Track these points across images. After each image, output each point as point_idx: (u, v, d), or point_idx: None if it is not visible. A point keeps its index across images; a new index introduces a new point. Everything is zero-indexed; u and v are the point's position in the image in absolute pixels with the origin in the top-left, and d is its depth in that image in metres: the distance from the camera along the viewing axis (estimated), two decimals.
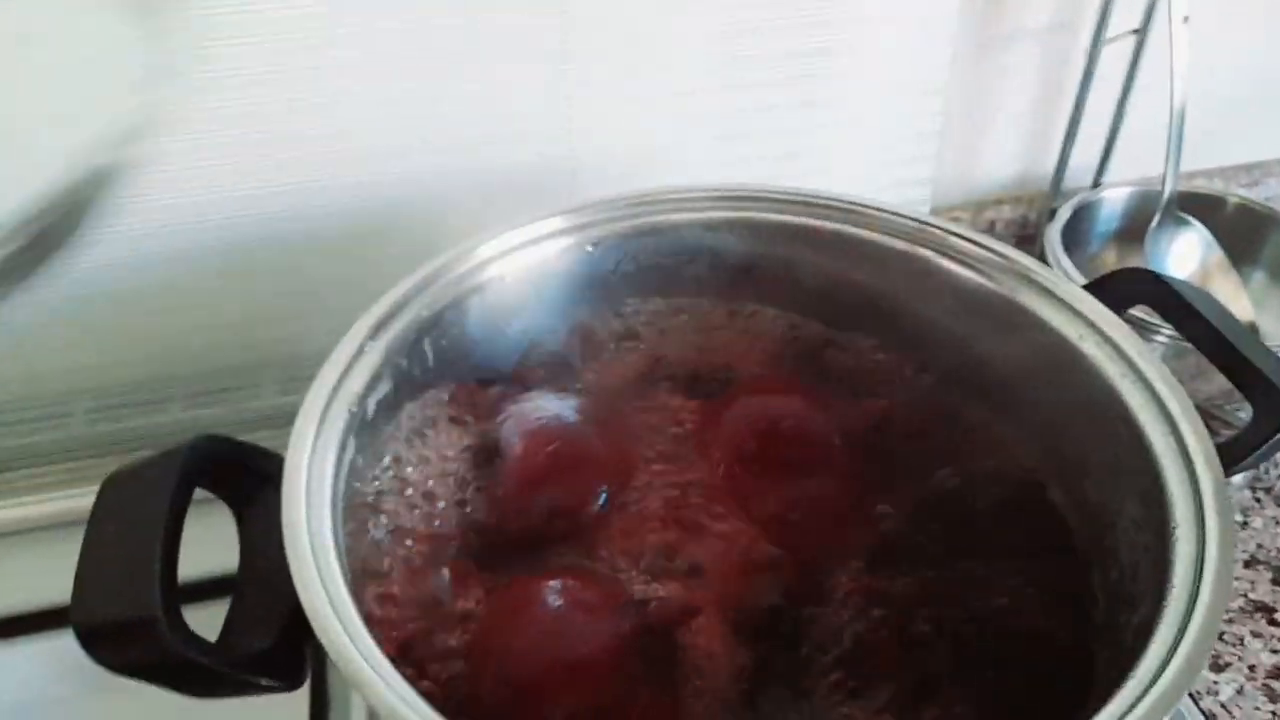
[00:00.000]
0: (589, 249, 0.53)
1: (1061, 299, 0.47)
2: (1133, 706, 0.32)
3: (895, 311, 0.52)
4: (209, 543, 0.39)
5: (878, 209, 0.51)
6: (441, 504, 0.46)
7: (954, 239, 0.49)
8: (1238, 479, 0.64)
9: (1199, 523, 0.37)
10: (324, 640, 0.33)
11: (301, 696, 0.53)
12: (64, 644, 0.54)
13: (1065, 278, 0.48)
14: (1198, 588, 0.35)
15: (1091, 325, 0.46)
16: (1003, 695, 0.40)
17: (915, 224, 0.50)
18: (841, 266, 0.52)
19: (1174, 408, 0.42)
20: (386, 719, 0.31)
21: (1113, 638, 0.39)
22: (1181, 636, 0.34)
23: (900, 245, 0.50)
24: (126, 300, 0.58)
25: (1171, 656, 0.33)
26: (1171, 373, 0.64)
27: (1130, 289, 0.49)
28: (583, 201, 0.52)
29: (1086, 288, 0.48)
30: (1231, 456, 0.42)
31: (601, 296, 0.54)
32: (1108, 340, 0.45)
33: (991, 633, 0.42)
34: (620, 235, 0.53)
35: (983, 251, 0.49)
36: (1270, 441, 0.42)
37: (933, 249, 0.50)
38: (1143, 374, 0.44)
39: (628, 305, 0.54)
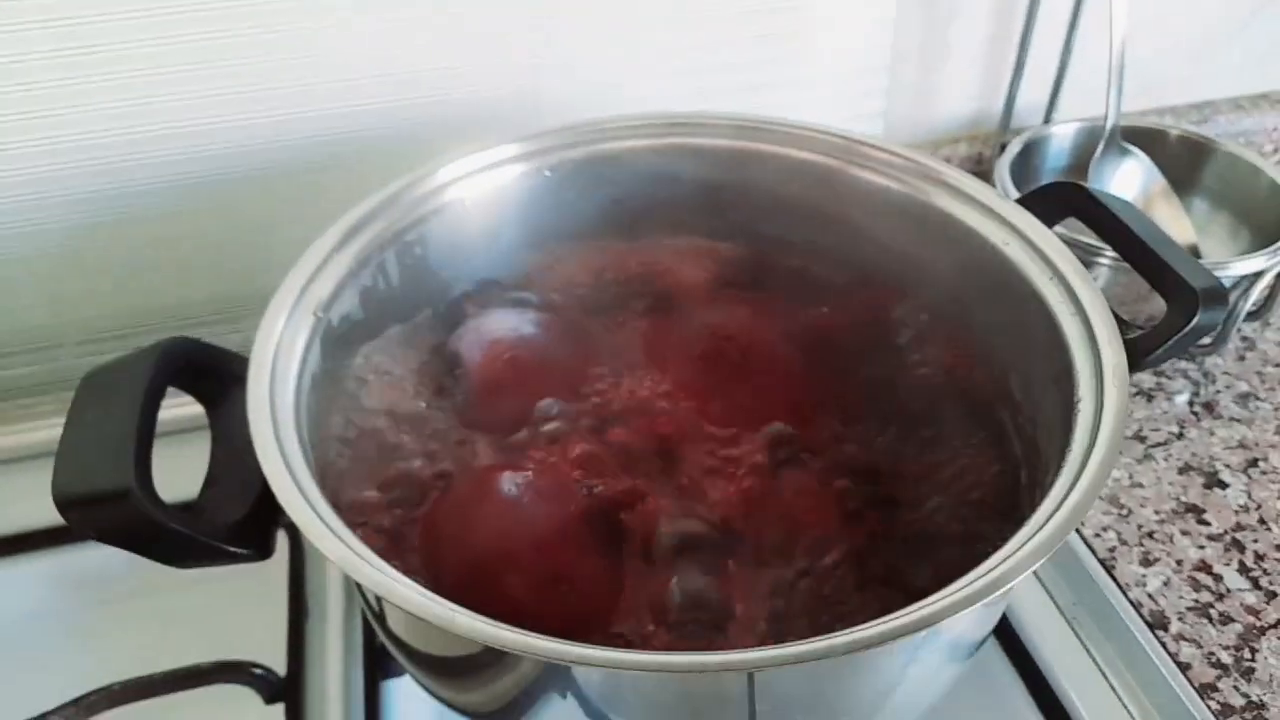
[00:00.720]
0: (546, 174, 0.55)
1: (988, 207, 0.50)
2: (1019, 548, 0.35)
3: (833, 226, 0.54)
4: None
5: (813, 130, 0.53)
6: (403, 405, 0.49)
7: (882, 154, 0.52)
8: (1180, 396, 0.67)
9: (1098, 395, 0.40)
10: (284, 503, 0.36)
11: (281, 577, 0.56)
12: (59, 561, 0.59)
13: (993, 190, 0.50)
14: (1091, 446, 0.38)
15: (1014, 230, 0.48)
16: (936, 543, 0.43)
17: (845, 142, 0.53)
18: (783, 186, 0.55)
19: (1085, 299, 0.45)
20: (343, 567, 0.34)
21: (1031, 495, 0.42)
22: (1073, 487, 0.37)
23: (834, 163, 0.53)
24: (106, 234, 0.61)
25: (1061, 504, 0.36)
26: (1119, 292, 0.67)
27: (1059, 202, 0.51)
28: (540, 128, 0.55)
29: (1019, 201, 0.51)
30: (1145, 348, 0.45)
31: (560, 220, 0.56)
32: (1029, 243, 0.48)
33: (931, 499, 0.45)
34: (576, 161, 0.56)
35: (912, 164, 0.52)
36: (1180, 333, 0.45)
37: (862, 165, 0.52)
38: (1060, 271, 0.46)
39: (584, 227, 0.57)
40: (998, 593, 0.34)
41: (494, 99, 0.64)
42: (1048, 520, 0.36)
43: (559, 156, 0.55)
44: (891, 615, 0.33)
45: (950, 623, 0.33)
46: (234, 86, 0.59)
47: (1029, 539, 0.35)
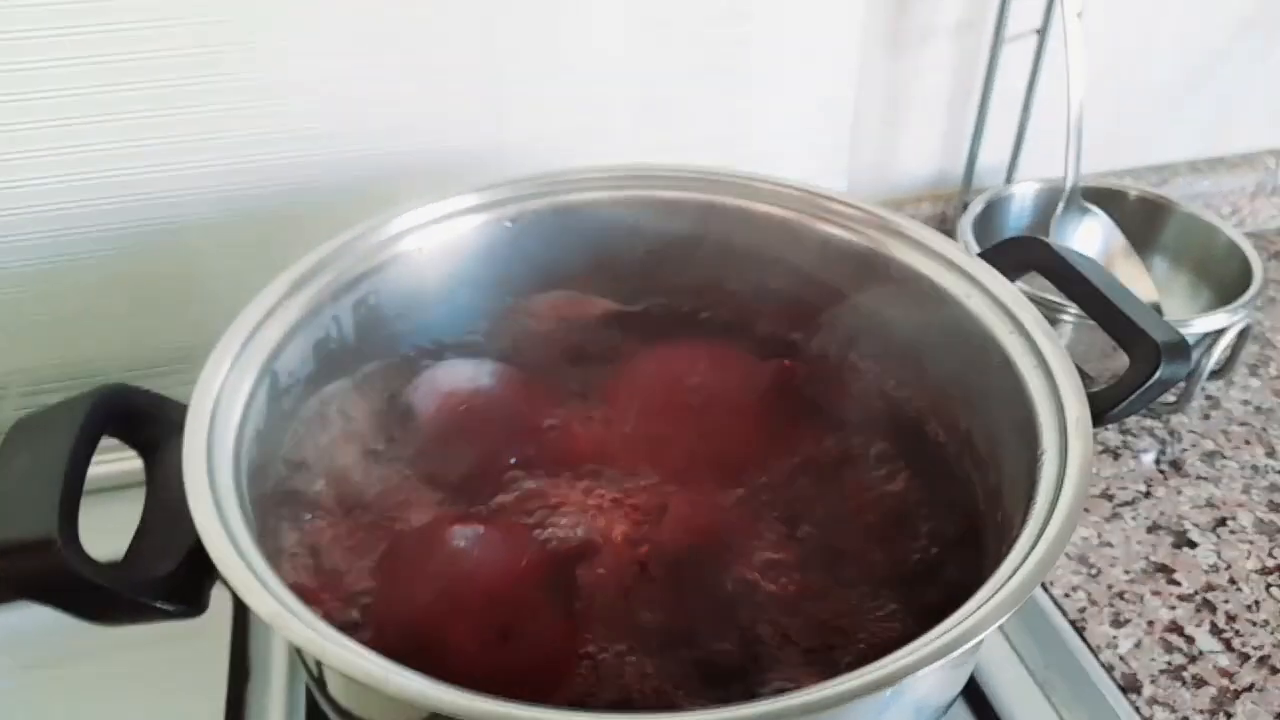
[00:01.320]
0: (507, 224, 0.55)
1: (950, 260, 0.49)
2: (984, 603, 0.33)
3: (794, 278, 0.54)
4: None
5: (773, 183, 0.53)
6: (353, 456, 0.47)
7: (842, 207, 0.52)
8: (1147, 455, 0.66)
9: (1062, 449, 0.40)
10: (214, 556, 0.34)
11: (223, 639, 0.54)
12: None
13: (954, 243, 0.50)
14: (1056, 499, 0.37)
15: (976, 283, 0.48)
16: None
17: (806, 195, 0.53)
18: (744, 238, 0.54)
19: (1048, 352, 0.44)
20: (272, 624, 0.32)
21: (996, 550, 0.41)
22: (1038, 541, 0.36)
23: (794, 215, 0.53)
24: (54, 282, 0.60)
25: (1026, 558, 0.35)
26: (1083, 349, 0.67)
27: (1020, 256, 0.51)
28: (500, 179, 0.55)
29: (981, 255, 0.51)
30: (1108, 402, 0.44)
31: (520, 271, 0.56)
32: (992, 296, 0.47)
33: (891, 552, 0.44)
34: (537, 212, 0.55)
35: (872, 218, 0.52)
36: (1143, 387, 0.44)
37: (823, 218, 0.52)
38: (1021, 324, 0.46)
39: (544, 278, 0.56)
40: (962, 649, 0.32)
41: (454, 149, 0.64)
42: (1012, 575, 0.35)
43: (519, 207, 0.55)
44: (853, 674, 0.32)
45: (914, 681, 0.32)
46: (183, 134, 0.58)
47: (994, 594, 0.34)
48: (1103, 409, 0.44)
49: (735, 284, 0.56)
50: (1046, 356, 0.44)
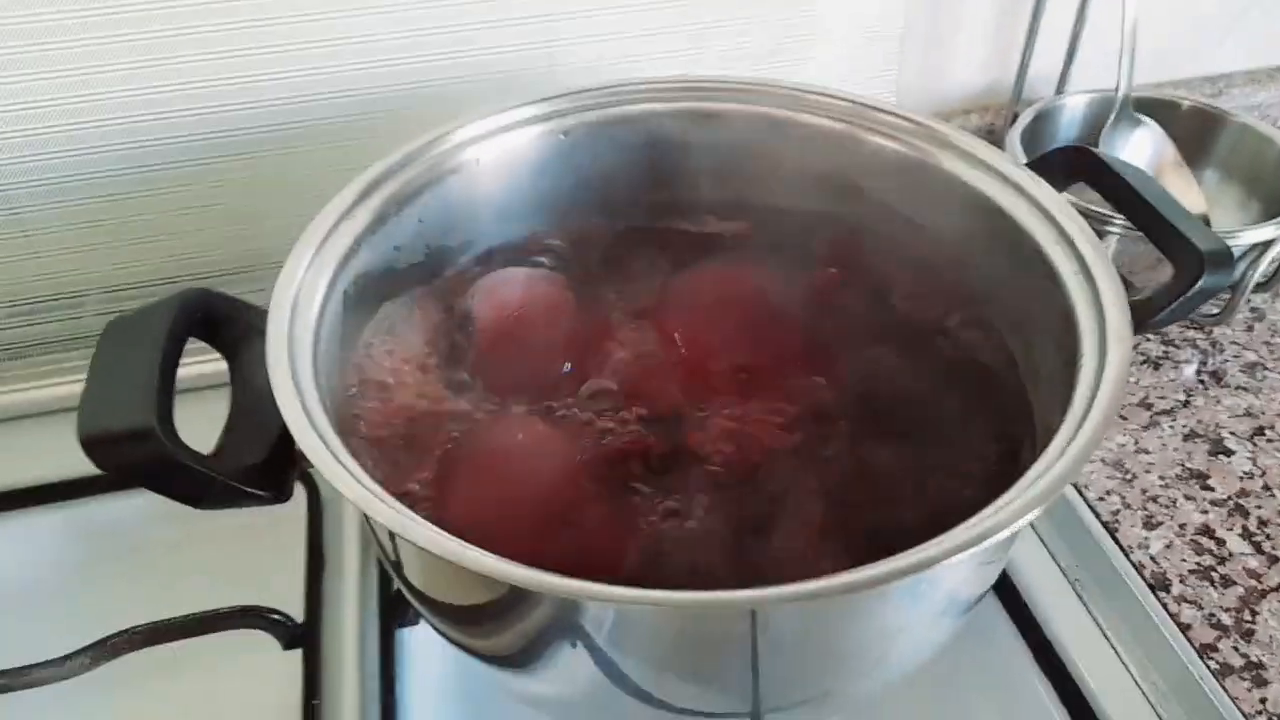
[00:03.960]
0: (561, 136, 0.56)
1: (996, 169, 0.50)
2: (1016, 498, 0.35)
3: (842, 189, 0.55)
4: None
5: (821, 93, 0.54)
6: (417, 360, 0.50)
7: (890, 117, 0.53)
8: (1189, 365, 0.67)
9: (1101, 354, 0.41)
10: (302, 445, 0.37)
11: (299, 529, 0.58)
12: (84, 512, 0.60)
13: (1000, 153, 0.51)
14: (1092, 402, 0.39)
15: (1022, 192, 0.49)
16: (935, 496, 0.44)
17: (854, 106, 0.53)
18: (793, 149, 0.55)
19: (1091, 260, 0.45)
20: (359, 505, 0.35)
21: (1032, 452, 0.43)
22: (1071, 441, 0.37)
23: (842, 127, 0.54)
24: (130, 191, 0.63)
25: (1061, 457, 0.37)
26: (1129, 260, 0.68)
27: (1067, 166, 0.52)
28: (556, 90, 0.56)
29: (1029, 165, 0.52)
30: (1150, 310, 0.45)
31: (573, 183, 0.57)
32: (1037, 205, 0.48)
33: (934, 455, 0.46)
34: (590, 124, 0.56)
35: (920, 128, 0.52)
36: (1185, 295, 0.45)
37: (871, 129, 0.53)
38: (1066, 233, 0.47)
39: (597, 191, 0.58)
40: (994, 539, 0.34)
41: (511, 62, 0.65)
42: (1046, 472, 0.37)
43: (574, 120, 0.56)
44: (890, 559, 0.34)
45: (948, 568, 0.34)
46: (254, 46, 0.60)
47: (1027, 488, 0.36)
48: (1144, 316, 0.45)
49: (784, 196, 0.57)
50: (1090, 264, 0.45)
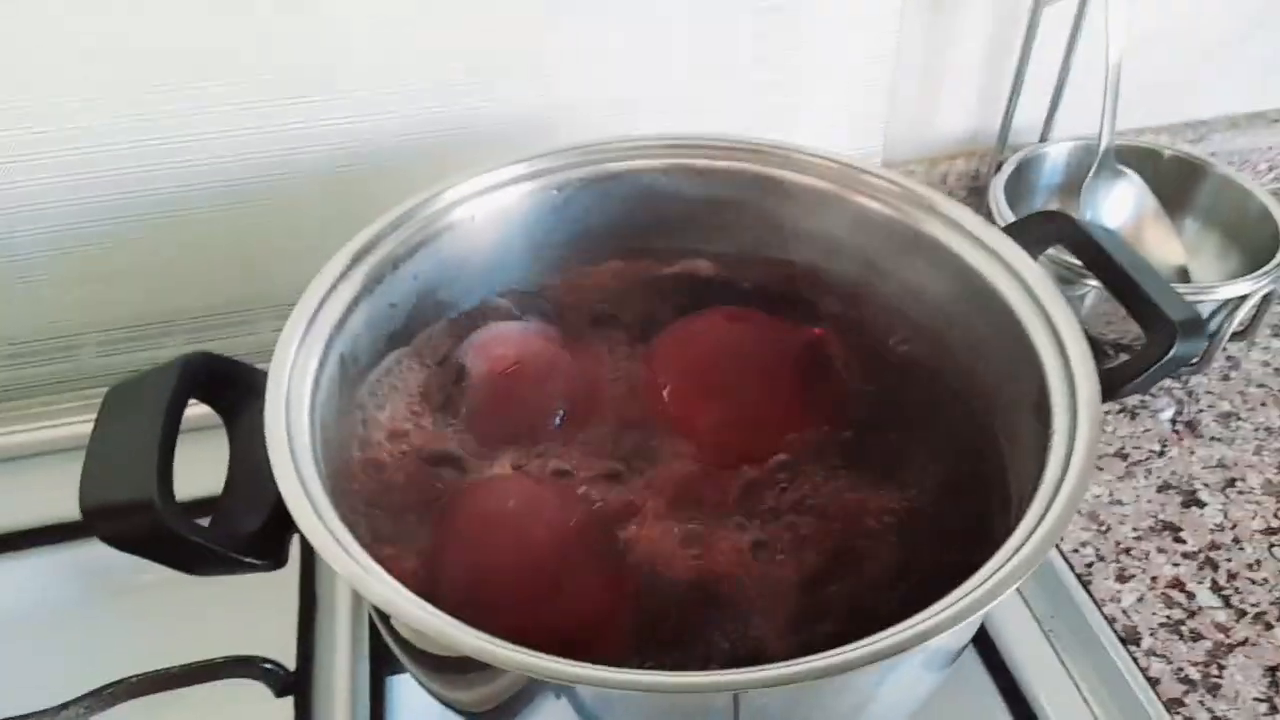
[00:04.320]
0: (554, 192, 0.57)
1: (975, 236, 0.51)
2: (995, 572, 0.37)
3: (831, 249, 0.56)
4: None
5: (811, 155, 0.55)
6: (412, 419, 0.51)
7: (877, 180, 0.54)
8: (1164, 414, 0.69)
9: (1071, 428, 0.42)
10: (301, 526, 0.38)
11: (292, 574, 0.59)
12: (77, 554, 0.61)
13: (980, 218, 0.52)
14: (1063, 478, 0.40)
15: (999, 259, 0.50)
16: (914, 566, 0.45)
17: (842, 168, 0.54)
18: (781, 208, 0.57)
19: (1064, 330, 0.46)
20: (351, 582, 0.36)
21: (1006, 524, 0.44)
22: (1043, 518, 0.39)
23: (831, 187, 0.55)
24: (127, 238, 0.64)
25: (1033, 532, 0.38)
26: (1110, 310, 0.69)
27: (1045, 229, 0.53)
28: (546, 148, 0.57)
29: (1006, 229, 0.53)
30: (1122, 378, 0.47)
31: (566, 238, 0.58)
32: (1014, 273, 0.50)
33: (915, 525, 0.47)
34: (583, 179, 0.58)
35: (905, 191, 0.54)
36: (1157, 364, 0.47)
37: (858, 190, 0.54)
38: (1040, 302, 0.48)
39: (590, 245, 0.59)
40: (973, 616, 0.36)
41: (501, 116, 0.66)
42: (1021, 546, 0.38)
43: (566, 175, 0.57)
44: (876, 636, 0.35)
45: (932, 642, 0.35)
46: (246, 100, 0.62)
47: (1005, 563, 0.37)
48: (1117, 384, 0.46)
49: (774, 252, 0.58)
50: (1062, 335, 0.46)
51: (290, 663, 0.55)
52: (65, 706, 0.51)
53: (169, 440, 0.41)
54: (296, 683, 0.54)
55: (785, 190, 0.57)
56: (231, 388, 0.46)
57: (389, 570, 0.38)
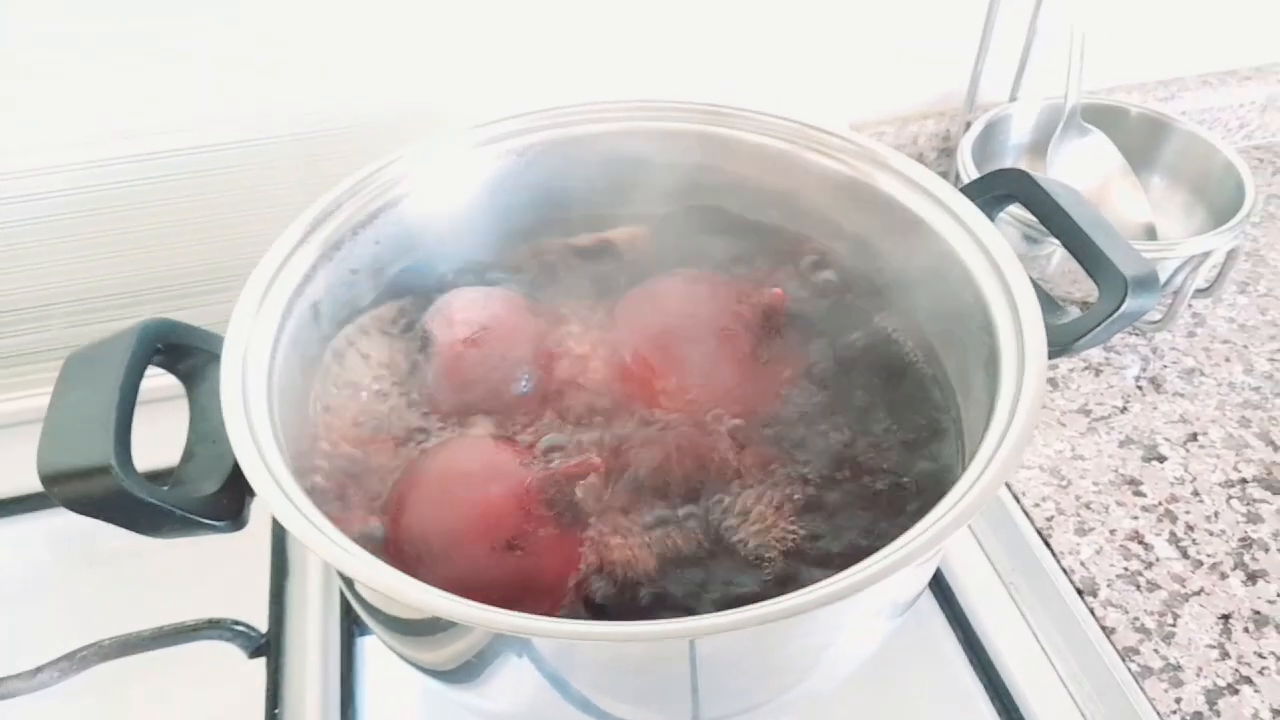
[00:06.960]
0: (514, 156, 0.57)
1: (932, 194, 0.52)
2: (935, 522, 0.38)
3: (791, 208, 0.57)
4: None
5: (769, 115, 0.56)
6: (376, 383, 0.51)
7: (834, 139, 0.54)
8: (1128, 371, 0.70)
9: (1019, 382, 0.43)
10: (256, 487, 0.39)
11: (264, 538, 0.60)
12: (52, 522, 0.62)
13: (937, 177, 0.52)
14: (1008, 427, 0.41)
15: (956, 217, 0.51)
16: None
17: (800, 127, 0.55)
18: (742, 168, 0.57)
19: (1016, 288, 0.47)
20: (304, 542, 0.37)
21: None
22: (984, 471, 0.39)
23: (789, 147, 0.55)
24: (96, 208, 0.64)
25: (973, 485, 0.39)
26: (1073, 269, 0.69)
27: (1004, 188, 0.53)
28: (508, 112, 0.57)
29: (965, 189, 0.53)
30: (1074, 333, 0.47)
31: (528, 201, 0.59)
32: (969, 231, 0.50)
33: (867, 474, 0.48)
34: (544, 144, 0.58)
35: (862, 150, 0.54)
36: (1109, 319, 0.47)
37: (816, 149, 0.55)
38: (994, 259, 0.48)
39: (552, 208, 0.59)
40: (910, 567, 0.36)
41: (461, 81, 0.66)
42: (963, 497, 0.39)
43: (526, 140, 0.57)
44: (827, 580, 0.36)
45: (878, 587, 0.36)
46: (209, 80, 0.62)
47: (932, 525, 0.38)
48: (1069, 340, 0.47)
49: (734, 211, 0.58)
50: (1014, 291, 0.47)
51: (262, 625, 0.56)
52: (40, 670, 0.52)
53: (127, 405, 0.41)
54: (268, 644, 0.55)
55: (744, 151, 0.57)
56: (191, 354, 0.46)
57: (347, 533, 0.39)
